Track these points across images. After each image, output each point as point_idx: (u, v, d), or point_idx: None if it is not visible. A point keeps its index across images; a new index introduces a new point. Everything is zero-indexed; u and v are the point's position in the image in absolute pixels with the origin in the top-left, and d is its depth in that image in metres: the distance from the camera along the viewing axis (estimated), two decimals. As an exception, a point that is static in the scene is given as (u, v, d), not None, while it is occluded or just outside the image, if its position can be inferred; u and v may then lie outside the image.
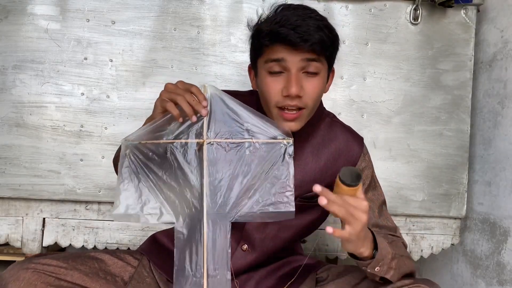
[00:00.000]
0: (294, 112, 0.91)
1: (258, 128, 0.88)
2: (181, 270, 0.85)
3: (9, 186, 1.45)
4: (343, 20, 1.50)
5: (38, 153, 1.45)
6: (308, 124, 0.99)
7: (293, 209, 0.84)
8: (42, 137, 1.45)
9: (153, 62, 1.48)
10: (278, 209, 0.85)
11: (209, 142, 0.87)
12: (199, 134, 0.88)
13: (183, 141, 0.88)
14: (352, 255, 0.89)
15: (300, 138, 1.00)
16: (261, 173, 0.86)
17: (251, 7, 1.49)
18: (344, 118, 1.49)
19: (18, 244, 1.49)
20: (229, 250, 0.85)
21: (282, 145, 0.87)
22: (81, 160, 1.46)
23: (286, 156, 0.87)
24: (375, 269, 0.85)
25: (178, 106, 0.85)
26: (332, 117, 1.08)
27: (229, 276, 0.84)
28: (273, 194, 0.86)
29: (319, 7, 1.48)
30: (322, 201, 0.73)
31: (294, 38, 0.85)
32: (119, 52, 1.47)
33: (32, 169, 1.45)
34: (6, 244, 1.58)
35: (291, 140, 0.87)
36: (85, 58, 1.46)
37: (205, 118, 0.87)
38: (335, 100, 1.51)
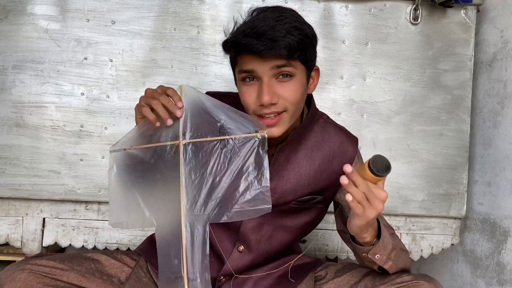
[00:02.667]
0: (273, 116, 0.90)
1: (234, 124, 0.87)
2: (164, 273, 0.85)
3: (9, 186, 1.45)
4: (343, 20, 1.50)
5: (38, 153, 1.45)
6: (301, 127, 0.98)
7: (269, 205, 0.83)
8: (42, 137, 1.45)
9: (153, 62, 1.48)
10: (255, 206, 0.83)
11: (185, 144, 0.86)
12: (176, 136, 0.87)
13: (160, 144, 0.88)
14: (353, 239, 0.90)
15: (293, 141, 0.99)
16: (236, 169, 0.85)
17: (251, 7, 1.48)
18: (344, 118, 1.50)
19: (18, 244, 1.49)
20: (208, 252, 0.83)
21: (256, 139, 0.85)
22: (81, 160, 1.46)
23: (260, 150, 0.85)
24: (375, 256, 0.86)
25: (154, 111, 0.86)
26: (325, 118, 1.07)
27: (209, 279, 0.83)
28: (250, 191, 0.84)
29: (319, 7, 1.48)
30: (344, 180, 0.76)
31: (258, 47, 0.83)
32: (119, 52, 1.47)
33: (32, 169, 1.45)
34: (6, 244, 1.59)
35: (265, 133, 0.85)
36: (85, 58, 1.46)
37: (181, 119, 0.87)
38: (335, 100, 1.51)
